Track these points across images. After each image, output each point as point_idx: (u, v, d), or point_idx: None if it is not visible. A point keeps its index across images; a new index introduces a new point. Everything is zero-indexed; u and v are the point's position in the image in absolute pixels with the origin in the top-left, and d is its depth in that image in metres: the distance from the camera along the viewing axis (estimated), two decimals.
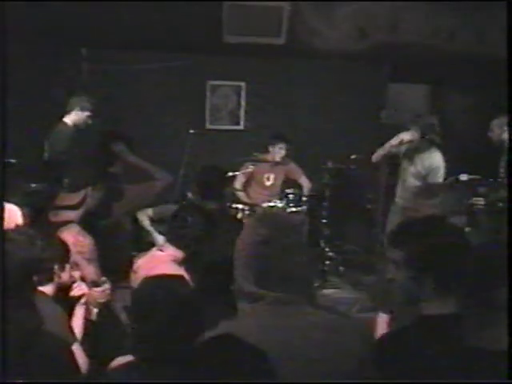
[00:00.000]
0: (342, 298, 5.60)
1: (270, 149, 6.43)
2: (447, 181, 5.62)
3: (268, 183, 6.58)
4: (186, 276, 3.05)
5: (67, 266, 2.89)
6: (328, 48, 6.75)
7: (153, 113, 6.94)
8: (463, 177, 6.06)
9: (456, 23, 6.97)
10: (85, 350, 2.69)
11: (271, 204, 5.97)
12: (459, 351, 1.80)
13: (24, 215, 3.31)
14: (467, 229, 5.10)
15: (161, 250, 3.39)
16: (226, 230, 3.97)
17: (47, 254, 2.63)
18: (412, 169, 5.51)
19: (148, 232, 4.83)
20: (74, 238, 3.31)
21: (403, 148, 5.51)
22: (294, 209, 5.89)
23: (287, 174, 6.62)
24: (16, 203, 3.29)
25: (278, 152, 6.41)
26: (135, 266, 3.39)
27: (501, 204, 5.40)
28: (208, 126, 7.41)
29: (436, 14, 6.83)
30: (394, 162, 5.81)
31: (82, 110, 5.43)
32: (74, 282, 2.93)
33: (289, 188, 6.37)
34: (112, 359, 2.22)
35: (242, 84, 7.44)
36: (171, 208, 4.31)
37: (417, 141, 5.38)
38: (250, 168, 6.33)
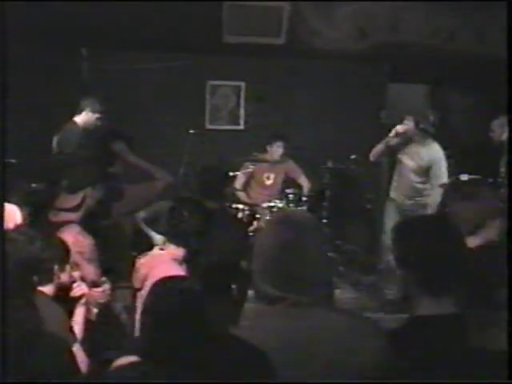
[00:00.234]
0: (341, 298, 5.60)
1: (268, 148, 6.42)
2: (450, 180, 5.62)
3: (268, 182, 6.58)
4: (189, 275, 3.07)
5: (67, 266, 2.89)
6: (328, 48, 6.75)
7: (153, 113, 6.94)
8: (463, 177, 6.07)
9: (456, 23, 6.97)
10: (85, 350, 2.69)
11: (271, 204, 5.98)
12: (458, 351, 1.79)
13: (24, 215, 3.31)
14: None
15: (162, 249, 3.39)
16: (227, 230, 3.97)
17: (47, 254, 2.63)
18: (411, 163, 5.41)
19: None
20: (74, 238, 3.30)
21: (400, 142, 5.43)
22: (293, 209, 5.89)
23: (287, 172, 6.62)
24: (16, 203, 3.29)
25: (276, 150, 6.41)
26: (136, 266, 3.39)
27: (501, 204, 5.40)
28: (208, 126, 7.41)
29: (436, 14, 6.83)
30: (393, 160, 5.76)
31: (93, 111, 5.47)
32: (73, 282, 2.93)
33: (288, 188, 6.38)
34: (112, 359, 2.22)
35: (242, 84, 7.44)
36: (163, 204, 4.31)
37: (412, 132, 5.32)
38: (250, 168, 6.33)
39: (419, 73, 7.39)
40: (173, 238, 3.37)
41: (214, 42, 6.65)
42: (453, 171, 5.47)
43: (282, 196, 6.23)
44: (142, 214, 4.87)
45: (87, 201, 3.73)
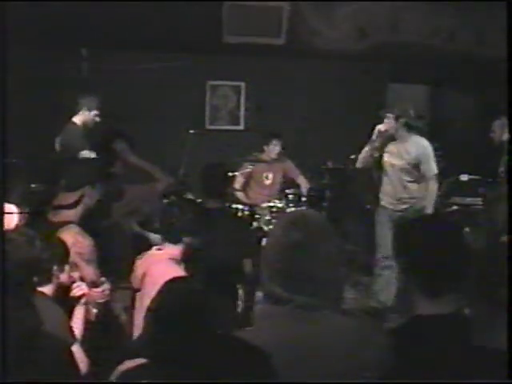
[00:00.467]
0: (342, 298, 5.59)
1: (265, 147, 6.42)
2: (448, 181, 5.62)
3: (267, 182, 6.57)
4: (188, 275, 3.07)
5: (66, 267, 2.89)
6: (328, 48, 6.76)
7: (153, 113, 6.94)
8: (463, 177, 6.07)
9: (456, 23, 6.98)
10: (85, 351, 2.69)
11: (271, 204, 5.98)
12: (458, 351, 1.79)
13: (24, 215, 3.30)
14: (467, 229, 5.11)
15: (159, 249, 3.39)
16: (230, 229, 3.97)
17: (46, 255, 2.63)
18: (400, 162, 5.23)
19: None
20: (74, 238, 3.30)
21: (384, 142, 5.28)
22: (293, 209, 5.89)
23: (285, 172, 6.61)
24: (16, 203, 3.29)
25: (273, 149, 6.40)
26: (134, 266, 3.40)
27: (500, 204, 5.40)
28: (208, 126, 7.41)
29: (436, 14, 6.85)
30: (380, 166, 5.52)
31: (90, 109, 5.46)
32: (73, 283, 2.93)
33: (288, 188, 6.38)
34: (112, 360, 2.22)
35: (242, 84, 7.44)
36: (153, 202, 4.31)
37: (394, 129, 5.18)
38: (249, 168, 6.33)
39: (419, 73, 7.39)
40: (168, 237, 3.37)
41: (214, 42, 6.65)
42: (442, 164, 5.43)
43: (282, 196, 6.23)
44: (135, 217, 4.87)
45: (86, 199, 3.72)
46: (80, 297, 2.93)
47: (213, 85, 7.42)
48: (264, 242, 4.39)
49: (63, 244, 2.95)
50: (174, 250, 3.30)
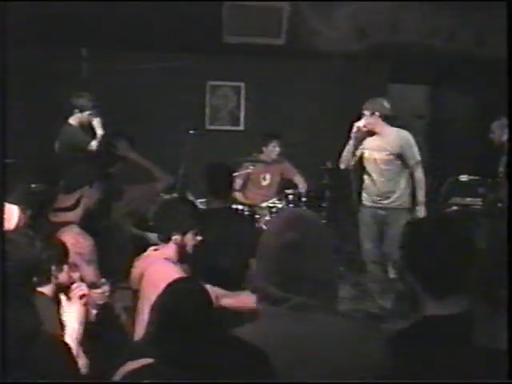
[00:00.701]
0: (342, 298, 5.60)
1: (264, 149, 6.41)
2: (448, 181, 5.61)
3: (264, 183, 6.57)
4: (185, 275, 3.07)
5: (65, 267, 2.89)
6: (328, 48, 6.76)
7: (153, 113, 6.94)
8: (463, 177, 6.07)
9: (456, 23, 6.98)
10: (85, 351, 2.69)
11: (270, 204, 5.98)
12: (464, 352, 1.79)
13: (24, 216, 3.30)
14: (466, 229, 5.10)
15: (156, 250, 3.39)
16: (235, 229, 3.96)
17: (45, 255, 2.63)
18: (380, 156, 5.20)
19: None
20: (74, 239, 3.30)
21: (364, 137, 5.27)
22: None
23: (282, 172, 6.61)
24: (16, 203, 3.28)
25: (272, 150, 6.40)
26: (133, 267, 3.40)
27: (500, 204, 5.40)
28: (208, 126, 7.41)
29: (436, 14, 6.85)
30: (361, 167, 5.49)
31: (83, 110, 5.45)
32: (73, 283, 2.93)
33: (288, 188, 6.37)
34: (111, 360, 2.22)
35: (242, 84, 7.44)
36: (152, 202, 4.31)
37: (373, 124, 5.19)
38: (250, 169, 6.33)
39: (419, 73, 7.40)
40: (159, 236, 3.37)
41: (214, 42, 6.65)
42: (453, 172, 5.45)
43: (282, 196, 6.23)
44: (134, 218, 4.87)
45: (84, 200, 3.72)
46: (80, 297, 2.92)
47: (213, 85, 7.42)
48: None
49: (62, 244, 2.95)
50: (169, 249, 3.29)
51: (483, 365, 1.76)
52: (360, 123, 5.24)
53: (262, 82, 7.23)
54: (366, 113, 5.21)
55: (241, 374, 1.65)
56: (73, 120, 5.46)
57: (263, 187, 6.56)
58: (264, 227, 5.71)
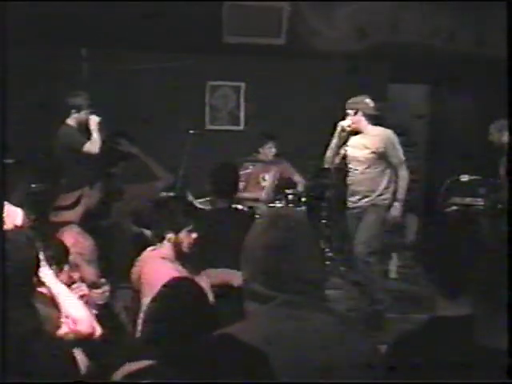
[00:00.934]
0: (342, 298, 5.60)
1: (260, 150, 6.41)
2: (448, 181, 5.60)
3: (264, 183, 6.57)
4: (180, 273, 3.07)
5: (65, 267, 2.89)
6: (328, 48, 6.76)
7: (153, 113, 6.93)
8: (464, 177, 6.07)
9: (456, 23, 6.98)
10: (85, 351, 2.69)
11: (270, 204, 5.98)
12: (473, 352, 1.79)
13: (24, 216, 3.30)
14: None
15: (154, 249, 3.39)
16: (239, 229, 3.95)
17: (45, 255, 2.63)
18: (363, 154, 5.17)
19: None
20: (75, 239, 3.30)
21: (348, 137, 5.25)
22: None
23: (281, 172, 6.61)
24: (16, 203, 3.29)
25: (269, 151, 6.40)
26: (133, 266, 3.40)
27: (500, 205, 5.40)
28: (208, 126, 7.41)
29: (436, 14, 6.85)
30: (345, 168, 5.46)
31: (79, 109, 5.43)
32: (73, 283, 2.93)
33: (288, 188, 6.37)
34: (111, 360, 2.22)
35: (242, 84, 7.44)
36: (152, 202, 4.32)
37: (357, 123, 5.17)
38: (250, 169, 6.33)
39: (419, 73, 7.39)
40: (154, 234, 3.37)
41: (214, 42, 6.65)
42: (453, 172, 5.45)
43: (282, 196, 6.22)
44: (134, 217, 4.87)
45: (85, 199, 3.73)
46: (80, 297, 2.93)
47: (213, 85, 7.42)
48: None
49: (62, 244, 2.95)
50: (165, 248, 3.29)
51: (482, 365, 1.77)
52: (344, 123, 5.24)
53: (262, 82, 7.23)
54: (350, 112, 5.21)
55: (239, 374, 1.65)
56: (71, 121, 5.45)
57: (262, 188, 6.56)
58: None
